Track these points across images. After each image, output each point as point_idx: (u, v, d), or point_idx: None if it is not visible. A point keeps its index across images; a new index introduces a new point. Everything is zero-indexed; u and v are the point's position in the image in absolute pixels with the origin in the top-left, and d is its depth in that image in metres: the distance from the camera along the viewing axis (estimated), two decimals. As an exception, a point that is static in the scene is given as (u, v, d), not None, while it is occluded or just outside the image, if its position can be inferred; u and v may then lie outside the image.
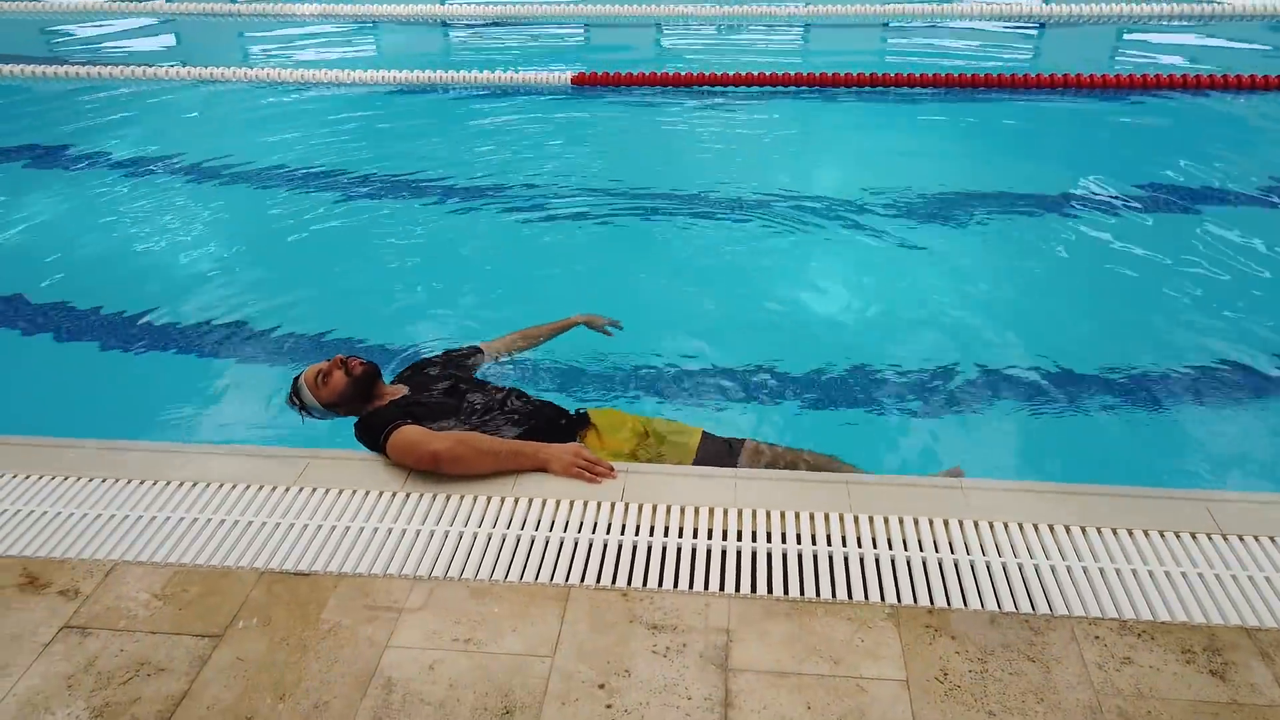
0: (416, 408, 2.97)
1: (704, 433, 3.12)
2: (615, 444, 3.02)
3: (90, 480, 2.70)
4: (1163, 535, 2.42)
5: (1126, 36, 9.36)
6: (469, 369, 3.41)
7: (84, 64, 8.48)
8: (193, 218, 5.59)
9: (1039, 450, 3.52)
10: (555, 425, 3.05)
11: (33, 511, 2.58)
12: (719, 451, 3.06)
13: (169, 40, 10.45)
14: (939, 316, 4.38)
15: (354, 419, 3.06)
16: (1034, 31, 9.67)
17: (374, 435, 2.82)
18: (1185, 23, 9.31)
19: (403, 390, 3.17)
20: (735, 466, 2.97)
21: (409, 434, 2.75)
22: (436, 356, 3.47)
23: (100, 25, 10.56)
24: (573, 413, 3.17)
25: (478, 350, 3.55)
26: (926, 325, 4.30)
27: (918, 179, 5.78)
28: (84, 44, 9.99)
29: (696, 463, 2.98)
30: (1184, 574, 2.29)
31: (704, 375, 3.95)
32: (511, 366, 3.75)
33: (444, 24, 10.50)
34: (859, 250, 5.08)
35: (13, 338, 4.29)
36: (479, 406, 3.06)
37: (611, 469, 2.70)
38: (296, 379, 3.20)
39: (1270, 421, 3.59)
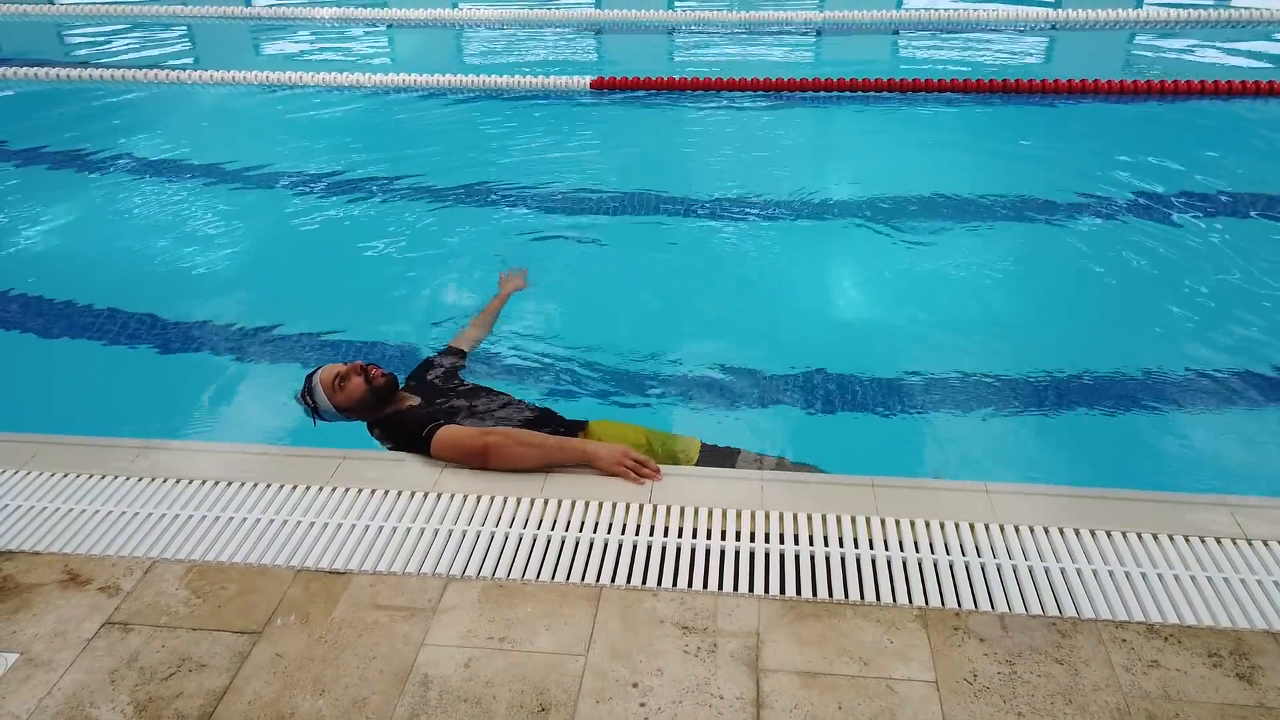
0: (439, 414, 3.03)
1: (702, 444, 3.15)
2: None
3: (127, 479, 2.75)
4: (1188, 539, 2.43)
5: (1139, 41, 9.35)
6: (460, 372, 3.48)
7: (95, 66, 8.57)
8: (214, 221, 5.63)
9: (1063, 454, 3.53)
10: (555, 434, 3.07)
11: (71, 509, 2.63)
12: (717, 463, 3.08)
13: (185, 43, 10.53)
14: (954, 321, 4.38)
15: (362, 422, 3.16)
16: (1046, 36, 9.67)
17: (412, 434, 2.89)
18: (1197, 28, 9.30)
19: (414, 399, 3.22)
20: None
21: (456, 430, 2.85)
22: (430, 362, 3.52)
23: (111, 28, 10.66)
24: (571, 422, 3.20)
25: (461, 351, 3.61)
26: (942, 330, 4.31)
27: (929, 184, 5.77)
28: (95, 46, 10.09)
29: None
30: (1209, 578, 2.31)
31: (710, 381, 3.97)
32: (511, 372, 3.80)
33: (462, 27, 10.56)
34: (870, 255, 5.09)
35: (46, 339, 4.36)
36: (483, 413, 3.13)
37: (658, 470, 2.73)
38: (311, 377, 3.21)
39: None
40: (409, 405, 3.15)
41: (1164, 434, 3.59)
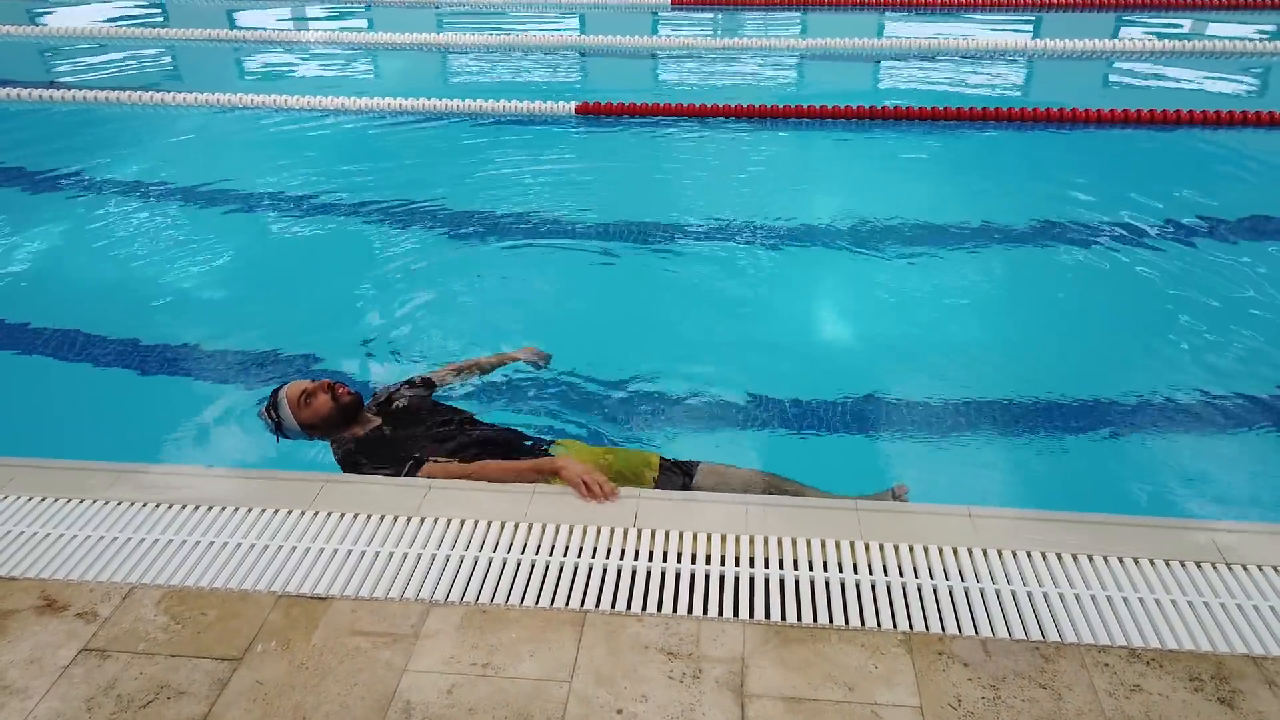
0: (408, 441, 3.09)
1: (661, 459, 3.19)
2: None
3: (106, 503, 2.72)
4: (1169, 564, 2.45)
5: (1116, 69, 9.50)
6: (428, 400, 3.50)
7: (82, 89, 8.54)
8: (191, 244, 5.58)
9: (1045, 480, 3.55)
10: (519, 456, 3.12)
11: (49, 534, 2.60)
12: (673, 474, 3.14)
13: (171, 64, 10.52)
14: (934, 345, 4.40)
15: (325, 441, 3.20)
16: (1023, 65, 9.81)
17: (389, 464, 2.97)
18: (1174, 58, 9.46)
19: (377, 420, 3.23)
20: (690, 488, 3.07)
21: (436, 467, 2.96)
22: (396, 388, 3.53)
23: (99, 49, 10.64)
24: (537, 440, 3.23)
25: (430, 381, 3.64)
26: (922, 354, 4.33)
27: (910, 210, 5.82)
28: (83, 68, 10.06)
29: (656, 487, 3.06)
30: (1190, 603, 2.33)
31: (684, 403, 3.98)
32: (476, 396, 3.81)
33: (447, 52, 10.60)
34: (849, 280, 5.14)
35: (25, 361, 4.32)
36: (447, 437, 3.16)
37: (615, 491, 2.75)
38: (276, 392, 3.23)
39: (1277, 452, 3.63)
40: (372, 427, 3.18)
41: (1146, 458, 3.62)
